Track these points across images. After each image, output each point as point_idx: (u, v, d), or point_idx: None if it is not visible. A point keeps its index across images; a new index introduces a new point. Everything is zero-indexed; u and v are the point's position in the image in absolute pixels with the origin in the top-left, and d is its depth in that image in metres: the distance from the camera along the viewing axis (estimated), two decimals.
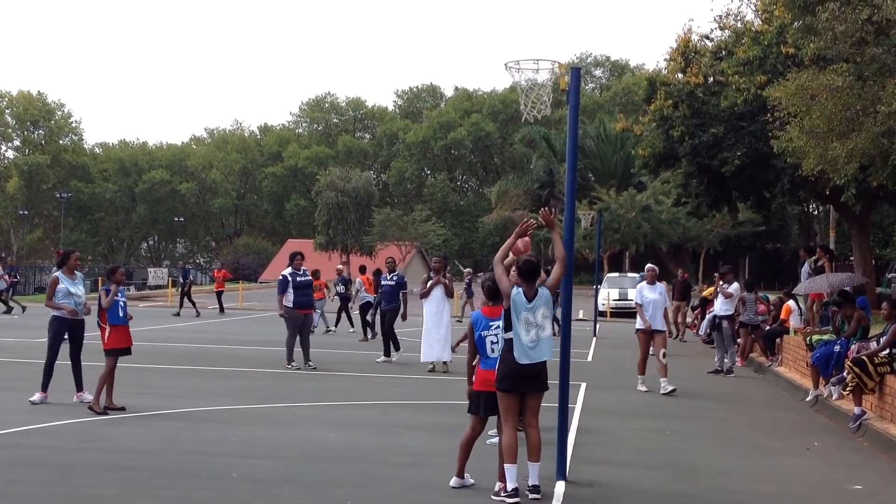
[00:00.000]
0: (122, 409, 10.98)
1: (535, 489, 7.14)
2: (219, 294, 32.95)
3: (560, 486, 7.57)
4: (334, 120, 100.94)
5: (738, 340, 18.61)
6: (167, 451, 8.72)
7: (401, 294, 17.23)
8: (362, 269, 23.33)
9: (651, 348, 14.23)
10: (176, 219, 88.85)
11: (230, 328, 25.94)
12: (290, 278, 15.94)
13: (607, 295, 37.47)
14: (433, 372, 15.70)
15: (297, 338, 16.03)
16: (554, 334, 7.78)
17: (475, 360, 7.50)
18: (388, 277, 17.62)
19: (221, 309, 32.11)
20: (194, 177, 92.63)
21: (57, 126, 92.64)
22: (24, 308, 28.97)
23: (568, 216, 8.24)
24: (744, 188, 25.59)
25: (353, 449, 6.87)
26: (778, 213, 48.02)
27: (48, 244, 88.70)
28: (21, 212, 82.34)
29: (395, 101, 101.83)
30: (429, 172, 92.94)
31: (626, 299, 37.83)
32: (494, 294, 7.59)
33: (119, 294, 11.30)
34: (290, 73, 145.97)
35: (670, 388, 13.76)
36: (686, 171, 25.63)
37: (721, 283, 17.63)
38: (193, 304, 30.75)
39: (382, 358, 17.20)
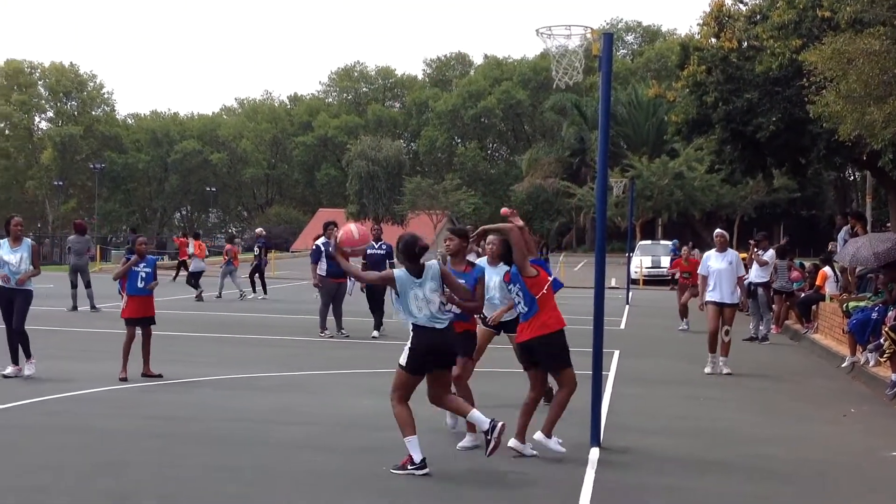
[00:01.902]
0: (160, 376, 11.07)
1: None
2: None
3: (594, 453, 7.56)
4: (364, 89, 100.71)
5: (773, 307, 18.47)
6: (202, 418, 8.81)
7: (387, 264, 15.86)
8: (230, 239, 26.68)
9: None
10: (208, 188, 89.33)
11: (261, 300, 26.09)
12: (323, 248, 16.00)
13: (640, 263, 37.30)
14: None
15: (331, 306, 16.12)
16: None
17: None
18: (377, 246, 16.27)
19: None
20: (225, 147, 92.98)
21: (89, 97, 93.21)
22: None
23: (600, 183, 8.17)
24: (779, 154, 25.24)
25: (388, 416, 6.90)
26: (813, 179, 47.51)
27: (82, 214, 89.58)
28: (55, 182, 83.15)
29: (424, 70, 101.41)
30: (459, 141, 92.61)
31: (659, 267, 37.70)
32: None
33: (142, 264, 11.25)
34: (319, 43, 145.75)
35: (727, 371, 12.63)
36: (720, 138, 25.31)
37: (756, 250, 17.45)
38: (263, 284, 26.10)
39: (376, 333, 16.23)
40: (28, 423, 8.48)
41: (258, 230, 30.11)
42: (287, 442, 7.89)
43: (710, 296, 12.68)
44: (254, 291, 25.74)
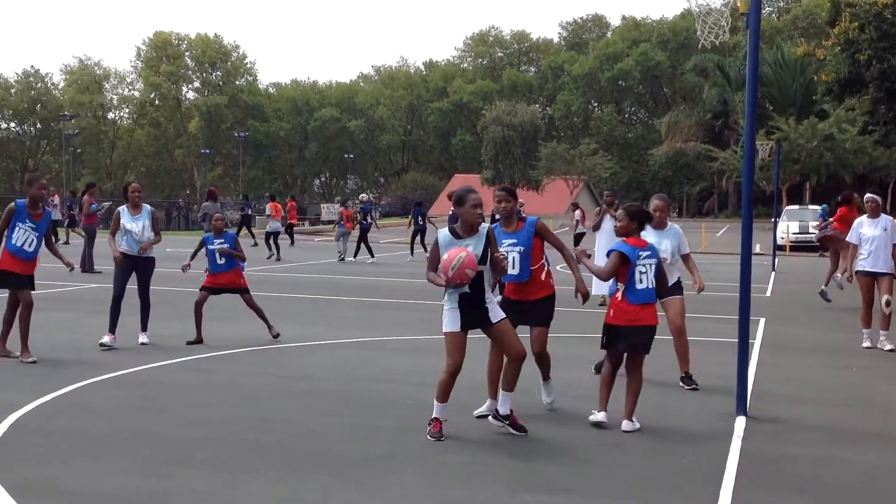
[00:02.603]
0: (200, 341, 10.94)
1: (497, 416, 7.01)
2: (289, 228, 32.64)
3: (740, 422, 7.36)
4: (499, 54, 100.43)
5: None
6: (343, 378, 9.00)
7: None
8: (272, 197, 28.36)
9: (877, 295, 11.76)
10: (346, 155, 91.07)
11: (400, 262, 26.47)
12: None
13: (787, 228, 36.04)
14: (603, 305, 15.55)
15: None
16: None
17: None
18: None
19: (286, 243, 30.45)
20: (363, 114, 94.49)
21: (233, 67, 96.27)
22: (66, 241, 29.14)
23: (748, 145, 7.88)
24: None
25: (525, 380, 6.89)
26: None
27: (228, 181, 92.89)
28: (202, 150, 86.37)
29: (559, 33, 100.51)
30: (595, 105, 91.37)
31: (807, 233, 36.31)
32: (641, 223, 7.36)
33: (218, 240, 11.17)
34: (454, 8, 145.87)
35: (889, 347, 11.51)
36: (874, 97, 24.22)
37: None
38: (368, 248, 27.00)
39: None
40: (183, 380, 8.86)
41: (363, 196, 30.99)
42: (428, 403, 7.97)
43: (861, 265, 11.70)
44: (355, 256, 26.29)
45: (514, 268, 7.35)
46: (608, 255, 7.42)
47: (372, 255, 26.41)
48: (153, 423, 7.12)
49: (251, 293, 11.56)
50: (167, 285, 16.36)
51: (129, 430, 6.90)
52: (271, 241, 26.62)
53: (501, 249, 7.24)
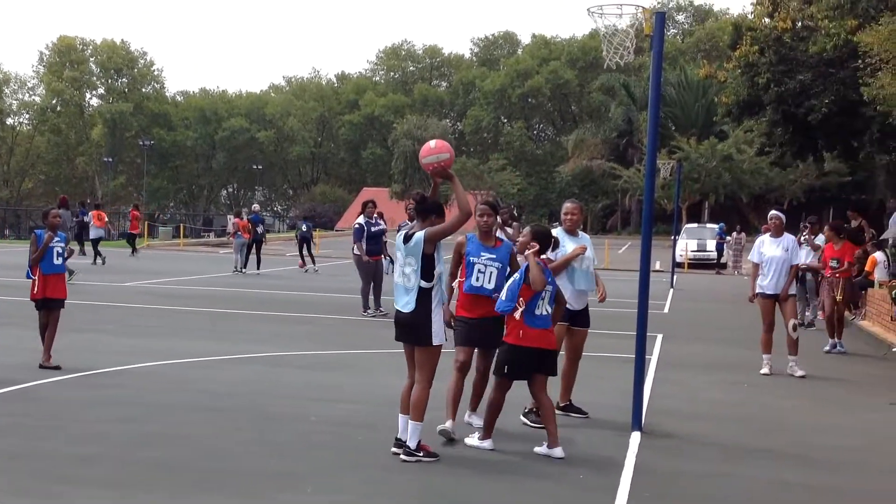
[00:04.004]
0: (58, 368, 9.79)
1: (410, 451, 6.69)
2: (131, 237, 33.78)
3: (636, 438, 7.52)
4: (411, 68, 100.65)
5: (820, 293, 18.18)
6: (244, 394, 8.89)
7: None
8: (97, 206, 29.15)
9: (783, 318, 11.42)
10: (254, 167, 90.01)
11: (306, 276, 26.28)
12: (365, 226, 16.06)
13: (685, 246, 36.96)
14: None
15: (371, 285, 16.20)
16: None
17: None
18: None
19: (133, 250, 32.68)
20: (272, 125, 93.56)
21: (140, 74, 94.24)
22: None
23: (649, 164, 8.08)
24: (830, 137, 24.89)
25: (431, 397, 6.92)
26: (865, 163, 46.57)
27: (131, 190, 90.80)
28: (105, 159, 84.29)
29: (471, 49, 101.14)
30: (505, 121, 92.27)
31: (705, 250, 37.37)
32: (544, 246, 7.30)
33: (57, 239, 10.08)
34: (367, 21, 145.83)
35: (801, 373, 11.11)
36: (771, 120, 25.00)
37: (809, 235, 17.14)
38: (312, 258, 27.83)
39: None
40: (77, 396, 8.63)
41: (254, 206, 31.50)
42: (330, 419, 7.95)
43: (762, 286, 11.34)
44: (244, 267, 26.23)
45: (489, 282, 7.35)
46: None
47: (258, 267, 26.56)
48: (42, 440, 6.91)
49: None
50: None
51: (16, 447, 6.68)
52: (97, 248, 27.55)
53: (480, 262, 7.35)
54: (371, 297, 16.20)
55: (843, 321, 14.08)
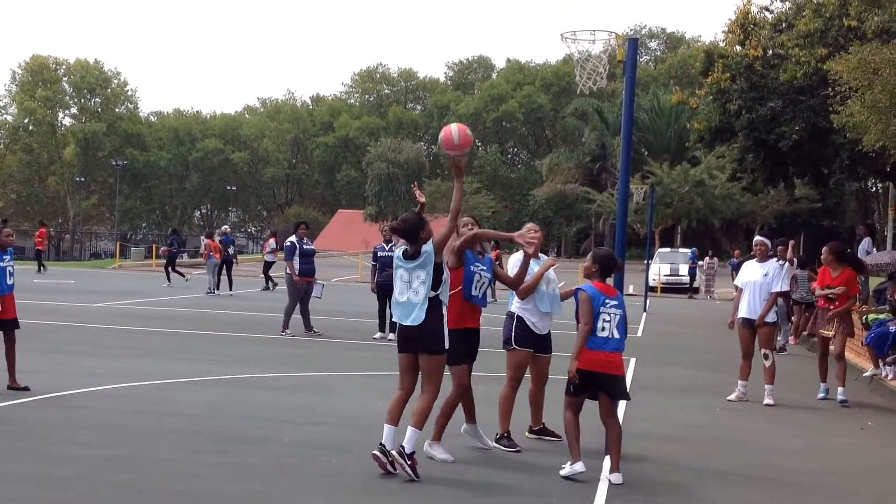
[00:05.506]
0: (27, 388, 9.60)
1: (403, 454, 6.69)
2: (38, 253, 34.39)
3: (609, 461, 7.52)
4: (385, 91, 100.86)
5: (792, 318, 18.35)
6: (218, 416, 8.83)
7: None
8: (209, 235, 28.34)
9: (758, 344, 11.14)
10: (228, 187, 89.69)
11: (272, 296, 26.18)
12: (297, 245, 16.13)
13: (658, 270, 37.22)
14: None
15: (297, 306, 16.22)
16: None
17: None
18: (387, 248, 15.56)
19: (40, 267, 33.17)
20: (247, 146, 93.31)
21: (113, 94, 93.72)
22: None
23: (622, 189, 8.15)
24: (801, 164, 25.12)
25: (403, 419, 6.90)
26: (835, 189, 47.19)
27: (103, 210, 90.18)
28: (77, 178, 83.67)
29: (446, 73, 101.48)
30: (480, 145, 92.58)
31: (678, 275, 37.66)
32: (608, 268, 7.18)
33: (6, 257, 9.60)
34: (342, 44, 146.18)
35: (768, 401, 10.95)
36: (742, 146, 25.22)
37: (779, 259, 17.27)
38: (180, 273, 29.27)
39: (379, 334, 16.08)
40: (47, 418, 8.53)
41: (224, 227, 31.48)
42: (302, 441, 7.90)
43: (742, 312, 11.12)
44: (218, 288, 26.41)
45: (476, 291, 7.46)
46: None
47: (230, 289, 26.75)
48: (12, 462, 6.82)
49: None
50: (32, 318, 15.77)
51: None
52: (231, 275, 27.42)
53: (477, 271, 7.51)
54: (301, 318, 16.17)
55: (845, 362, 11.69)
